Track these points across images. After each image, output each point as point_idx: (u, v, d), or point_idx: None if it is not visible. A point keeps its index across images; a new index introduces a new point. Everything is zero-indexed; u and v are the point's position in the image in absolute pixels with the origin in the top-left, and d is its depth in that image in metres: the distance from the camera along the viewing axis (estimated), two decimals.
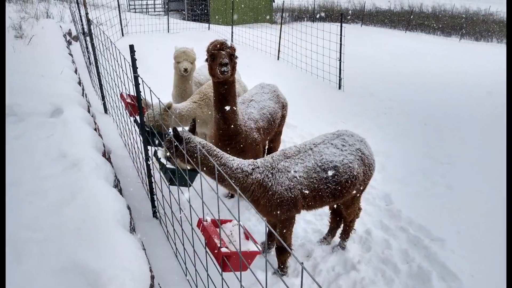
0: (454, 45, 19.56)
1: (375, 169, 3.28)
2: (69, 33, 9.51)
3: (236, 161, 2.68)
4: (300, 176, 2.77)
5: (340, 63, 8.88)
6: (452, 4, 29.47)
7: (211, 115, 3.86)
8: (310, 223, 4.01)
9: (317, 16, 25.36)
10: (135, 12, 19.67)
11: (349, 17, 26.16)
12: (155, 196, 3.36)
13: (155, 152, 2.78)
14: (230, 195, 4.38)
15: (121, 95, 3.82)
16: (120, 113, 4.30)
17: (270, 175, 2.71)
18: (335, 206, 3.51)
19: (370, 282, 3.24)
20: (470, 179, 5.03)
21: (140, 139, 3.19)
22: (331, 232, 3.69)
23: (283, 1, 13.63)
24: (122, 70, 3.25)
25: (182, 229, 2.64)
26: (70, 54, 7.10)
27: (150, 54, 9.03)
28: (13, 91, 3.66)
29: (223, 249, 1.82)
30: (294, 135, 6.15)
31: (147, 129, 3.15)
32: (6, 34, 6.07)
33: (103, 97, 5.54)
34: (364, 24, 25.87)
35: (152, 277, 2.35)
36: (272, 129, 4.04)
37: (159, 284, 2.55)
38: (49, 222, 2.23)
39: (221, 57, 2.94)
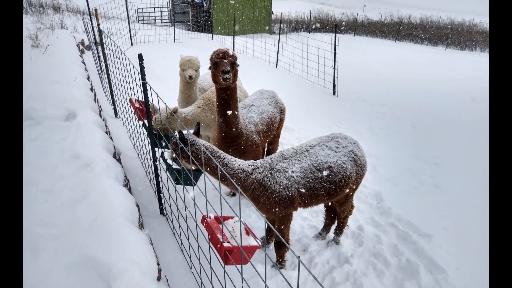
0: (440, 54, 19.55)
1: (367, 169, 3.28)
2: (82, 43, 9.53)
3: (237, 162, 2.68)
4: (297, 176, 2.77)
5: (334, 70, 8.88)
6: (438, 15, 29.51)
7: (214, 119, 3.86)
8: (307, 220, 4.00)
9: (313, 27, 25.39)
10: (143, 23, 19.68)
11: (342, 28, 26.17)
12: (162, 195, 3.36)
13: (162, 153, 2.78)
14: (232, 193, 4.38)
15: (130, 100, 3.82)
16: (130, 117, 4.31)
17: (269, 175, 2.71)
18: (329, 204, 3.51)
19: (362, 274, 3.24)
20: (456, 179, 5.03)
21: (148, 142, 3.20)
22: (326, 228, 3.69)
23: (281, 13, 13.68)
24: (131, 77, 3.26)
25: (187, 225, 2.64)
26: (83, 62, 7.11)
27: (158, 62, 9.04)
28: (30, 97, 3.67)
29: (226, 244, 1.83)
30: (292, 137, 6.14)
31: (154, 132, 3.15)
32: (24, 43, 6.09)
33: (113, 102, 5.54)
34: (356, 34, 25.88)
35: (159, 270, 2.35)
36: (271, 132, 4.04)
37: (165, 276, 2.55)
38: (63, 219, 2.24)
39: (224, 65, 2.94)
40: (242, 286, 1.91)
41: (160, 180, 3.24)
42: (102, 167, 2.78)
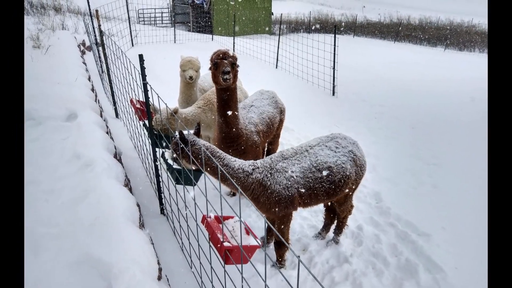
0: (439, 55, 19.55)
1: (366, 169, 3.28)
2: (83, 44, 9.53)
3: (237, 162, 2.68)
4: (296, 176, 2.77)
5: (334, 71, 8.89)
6: (437, 16, 29.52)
7: (215, 119, 3.86)
8: (306, 219, 4.00)
9: (313, 27, 25.40)
10: (144, 24, 19.70)
11: (342, 28, 26.17)
12: (162, 195, 3.36)
13: (163, 153, 2.79)
14: (232, 193, 4.38)
15: (131, 100, 3.83)
16: (130, 117, 4.31)
17: (269, 175, 2.71)
18: (329, 203, 3.51)
19: (361, 274, 3.24)
20: (454, 179, 5.03)
21: (149, 142, 3.20)
22: (326, 227, 3.69)
23: (281, 14, 13.69)
24: (132, 78, 3.26)
25: (188, 225, 2.64)
26: (84, 63, 7.11)
27: (158, 63, 9.04)
28: (31, 97, 3.67)
29: (226, 244, 1.82)
30: (291, 138, 6.14)
31: (155, 132, 3.15)
32: (25, 44, 6.09)
33: (114, 103, 5.54)
34: (356, 35, 25.89)
35: (160, 269, 2.35)
36: (271, 132, 4.05)
37: (166, 276, 2.55)
38: (64, 218, 2.24)
39: (224, 66, 2.94)
40: (242, 286, 1.91)
41: (160, 180, 3.24)
42: (103, 167, 2.78)
